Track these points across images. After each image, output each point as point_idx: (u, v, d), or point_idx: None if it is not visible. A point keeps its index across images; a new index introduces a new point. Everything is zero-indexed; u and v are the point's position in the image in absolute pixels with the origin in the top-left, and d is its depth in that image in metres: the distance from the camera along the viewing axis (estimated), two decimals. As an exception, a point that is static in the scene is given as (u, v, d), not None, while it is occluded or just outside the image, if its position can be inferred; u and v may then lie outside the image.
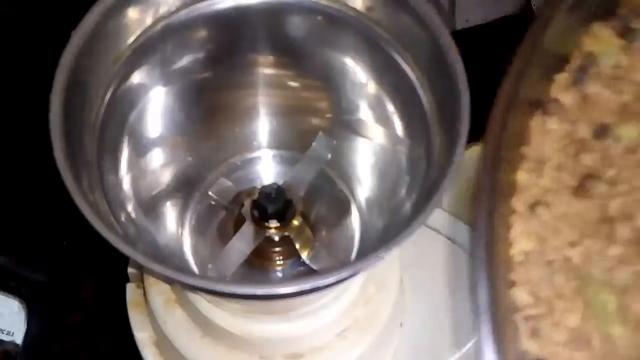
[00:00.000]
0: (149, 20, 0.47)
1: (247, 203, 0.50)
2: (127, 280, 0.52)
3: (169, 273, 0.39)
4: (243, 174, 0.54)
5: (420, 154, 0.46)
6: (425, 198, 0.41)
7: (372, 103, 0.50)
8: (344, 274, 0.39)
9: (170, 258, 0.49)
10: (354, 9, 0.48)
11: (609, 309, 0.34)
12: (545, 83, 0.37)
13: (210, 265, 0.49)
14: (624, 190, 0.35)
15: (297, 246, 0.50)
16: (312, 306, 0.46)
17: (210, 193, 0.52)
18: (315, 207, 0.52)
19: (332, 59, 0.50)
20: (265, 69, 0.52)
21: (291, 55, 0.51)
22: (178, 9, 0.47)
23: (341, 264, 0.48)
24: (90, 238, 0.38)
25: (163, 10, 0.47)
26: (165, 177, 0.51)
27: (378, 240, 0.48)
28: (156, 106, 0.50)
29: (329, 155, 0.51)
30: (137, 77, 0.48)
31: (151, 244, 0.49)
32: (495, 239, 0.33)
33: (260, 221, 0.49)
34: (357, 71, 0.50)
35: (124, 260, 0.51)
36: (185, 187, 0.52)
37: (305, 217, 0.51)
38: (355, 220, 0.52)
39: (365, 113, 0.51)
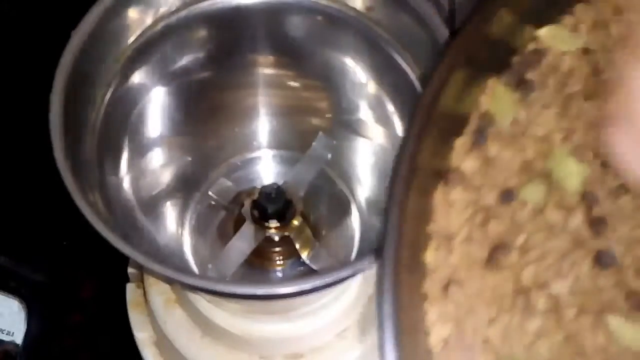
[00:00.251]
0: (149, 20, 0.47)
1: (247, 203, 0.50)
2: (127, 280, 0.52)
3: (169, 273, 0.39)
4: (243, 174, 0.54)
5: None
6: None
7: (372, 103, 0.50)
8: (343, 274, 0.39)
9: (170, 258, 0.49)
10: (354, 9, 0.48)
11: None
12: (445, 150, 0.34)
13: (210, 265, 0.49)
14: (535, 257, 0.33)
15: (297, 246, 0.50)
16: (312, 306, 0.46)
17: (210, 193, 0.52)
18: (315, 207, 0.52)
19: (332, 59, 0.50)
20: (265, 69, 0.52)
21: (291, 55, 0.51)
22: (178, 9, 0.47)
23: (341, 264, 0.48)
24: (90, 238, 0.38)
25: (163, 10, 0.47)
26: (165, 177, 0.51)
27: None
28: (156, 106, 0.50)
29: (329, 155, 0.51)
30: (137, 77, 0.48)
31: (151, 244, 0.49)
32: (410, 335, 0.30)
33: (260, 221, 0.49)
34: (357, 71, 0.50)
35: (124, 260, 0.51)
36: (185, 187, 0.52)
37: (305, 217, 0.51)
38: (355, 220, 0.52)
39: (365, 113, 0.51)
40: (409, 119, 0.33)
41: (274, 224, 0.49)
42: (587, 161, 0.34)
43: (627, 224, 0.33)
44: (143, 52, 0.47)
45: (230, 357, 0.47)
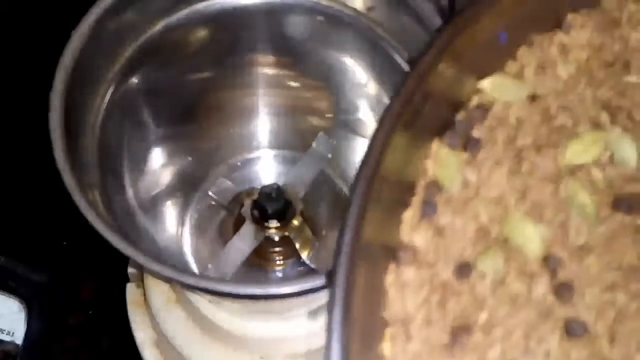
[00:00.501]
0: (148, 20, 0.47)
1: (247, 203, 0.50)
2: (127, 280, 0.52)
3: (169, 273, 0.39)
4: (243, 174, 0.54)
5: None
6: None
7: (372, 103, 0.50)
8: (344, 274, 0.39)
9: (170, 258, 0.49)
10: (354, 9, 0.48)
11: None
12: (393, 222, 0.31)
13: (210, 265, 0.49)
14: (500, 335, 0.30)
15: (297, 246, 0.50)
16: (312, 306, 0.46)
17: (210, 193, 0.52)
18: (315, 207, 0.52)
19: (332, 59, 0.50)
20: (265, 69, 0.52)
21: (291, 55, 0.51)
22: (178, 9, 0.47)
23: (341, 264, 0.48)
24: (90, 238, 0.38)
25: (163, 10, 0.47)
26: (165, 177, 0.51)
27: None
28: (156, 106, 0.50)
29: (329, 155, 0.51)
30: (137, 77, 0.48)
31: (151, 244, 0.49)
32: None
33: (260, 221, 0.49)
34: (357, 71, 0.50)
35: (124, 260, 0.51)
36: (185, 187, 0.52)
37: (305, 217, 0.51)
38: (355, 220, 0.52)
39: (365, 113, 0.51)
40: (350, 191, 0.30)
41: (274, 224, 0.49)
42: (546, 221, 0.32)
43: (595, 286, 0.31)
44: (143, 52, 0.47)
45: (230, 357, 0.47)
